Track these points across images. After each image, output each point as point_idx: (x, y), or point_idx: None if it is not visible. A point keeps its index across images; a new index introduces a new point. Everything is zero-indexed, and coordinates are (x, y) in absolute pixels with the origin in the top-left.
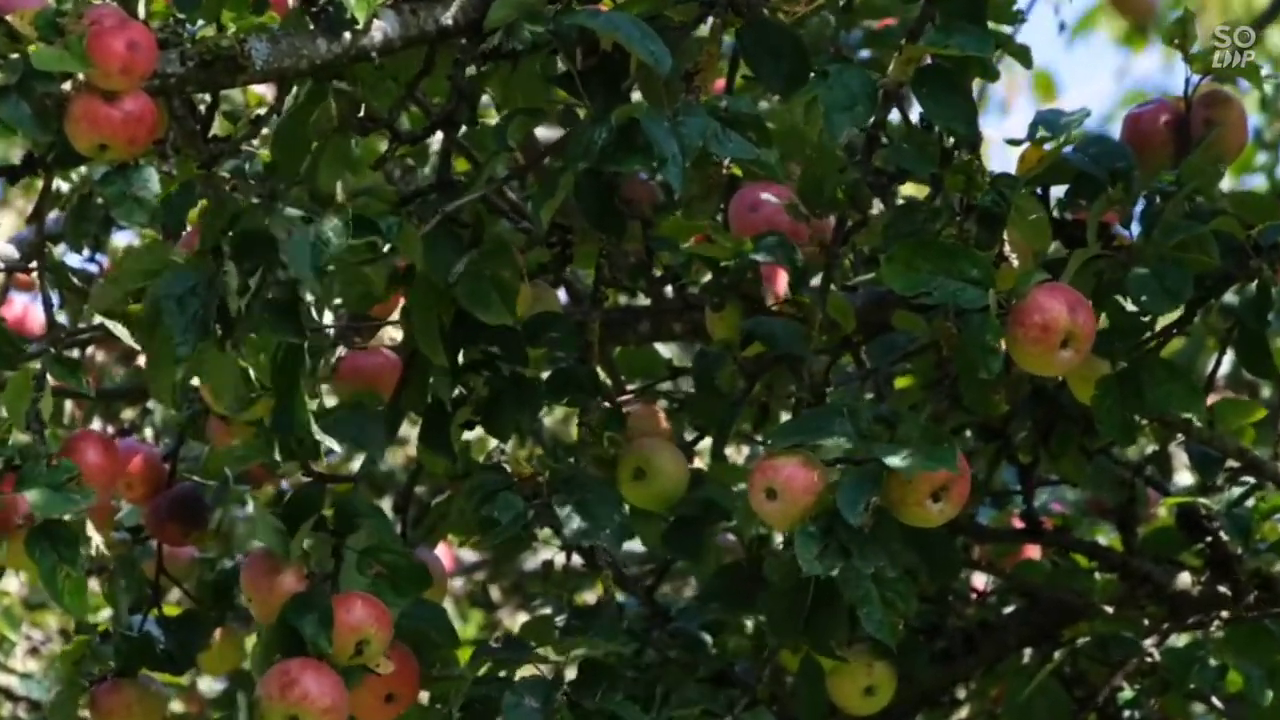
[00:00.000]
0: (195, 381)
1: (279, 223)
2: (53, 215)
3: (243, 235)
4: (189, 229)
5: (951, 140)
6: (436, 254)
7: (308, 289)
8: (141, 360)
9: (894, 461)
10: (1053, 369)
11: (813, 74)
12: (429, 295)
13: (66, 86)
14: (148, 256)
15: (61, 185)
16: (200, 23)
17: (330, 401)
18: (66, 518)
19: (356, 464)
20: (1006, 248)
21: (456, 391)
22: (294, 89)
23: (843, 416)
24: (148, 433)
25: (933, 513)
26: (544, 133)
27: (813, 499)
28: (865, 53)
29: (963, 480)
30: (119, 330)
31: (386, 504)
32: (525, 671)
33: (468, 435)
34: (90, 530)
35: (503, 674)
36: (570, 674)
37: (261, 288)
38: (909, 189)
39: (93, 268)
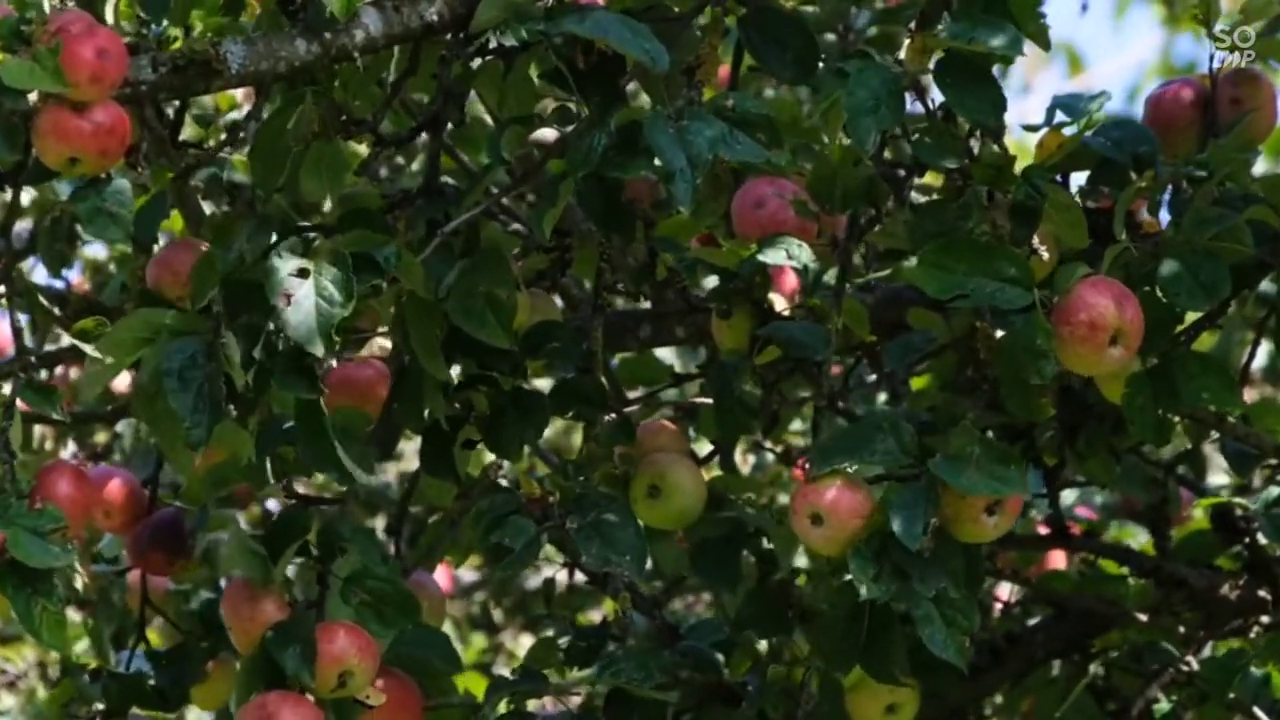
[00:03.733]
0: None
1: (275, 285)
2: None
3: (234, 287)
4: (162, 247)
5: (974, 131)
6: (427, 266)
7: (315, 352)
8: (115, 381)
9: (959, 482)
10: (1102, 368)
11: (823, 64)
12: (424, 308)
13: (33, 98)
14: (136, 323)
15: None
16: (165, 22)
17: None
18: None
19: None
20: (1035, 241)
21: (455, 408)
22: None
23: (884, 432)
24: (116, 457)
25: (988, 527)
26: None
27: (861, 522)
28: (873, 30)
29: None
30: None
31: (380, 522)
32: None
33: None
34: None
35: (515, 707)
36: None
37: (269, 353)
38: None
39: (59, 284)
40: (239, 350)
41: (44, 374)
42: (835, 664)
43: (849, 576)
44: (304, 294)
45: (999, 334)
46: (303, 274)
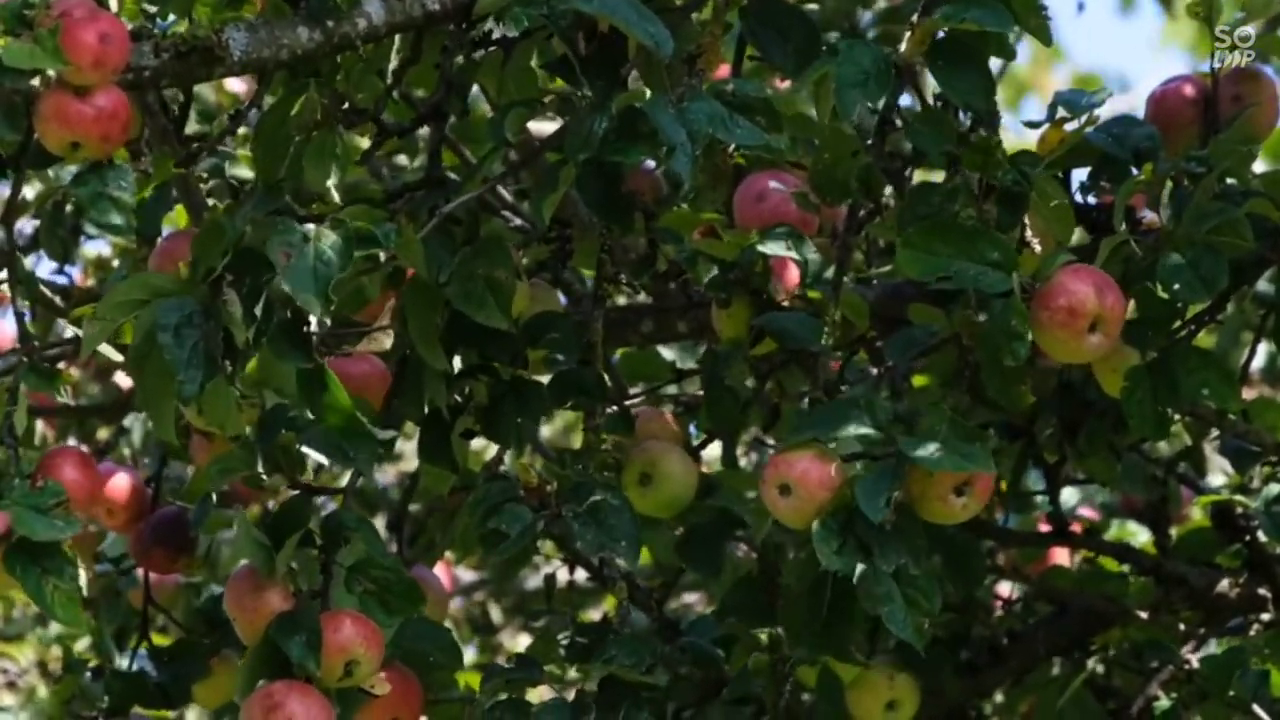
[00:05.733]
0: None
1: (276, 243)
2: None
3: (237, 254)
4: (164, 236)
5: (968, 119)
6: (428, 253)
7: (312, 311)
8: (118, 377)
9: (921, 454)
10: (1081, 355)
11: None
12: (423, 296)
13: (35, 82)
14: (133, 286)
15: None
16: (171, 18)
17: None
18: None
19: (346, 477)
20: (1029, 233)
21: (455, 398)
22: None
23: (859, 409)
24: (124, 451)
25: (955, 508)
26: (537, 125)
27: (829, 494)
28: (874, 32)
29: (986, 474)
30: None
31: (379, 521)
32: (534, 692)
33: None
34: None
35: (512, 696)
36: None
37: (267, 314)
38: (924, 174)
39: (62, 279)
40: (240, 308)
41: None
42: (796, 640)
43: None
44: (302, 254)
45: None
46: (304, 239)
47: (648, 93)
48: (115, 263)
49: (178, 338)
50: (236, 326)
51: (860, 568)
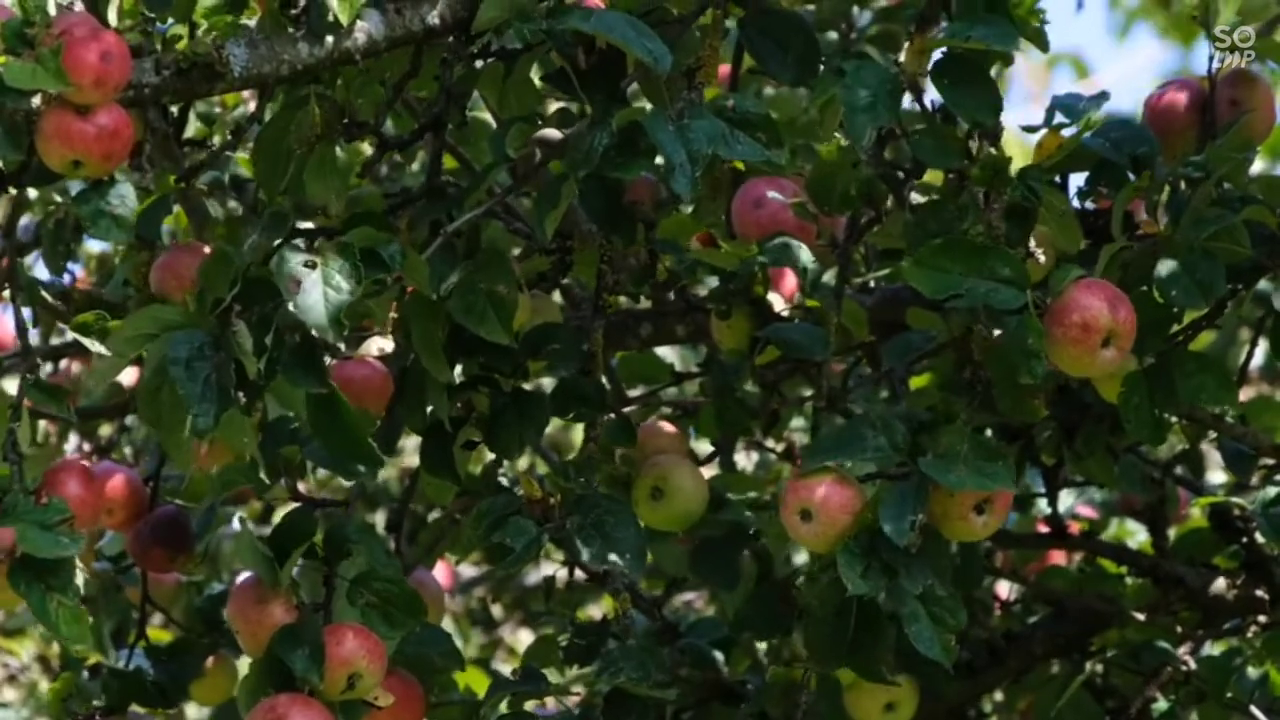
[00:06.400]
0: None
1: (285, 273)
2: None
3: (247, 282)
4: (166, 251)
5: (972, 131)
6: (430, 266)
7: (326, 338)
8: (124, 377)
9: (947, 479)
10: (1094, 369)
11: (824, 63)
12: (426, 308)
13: (36, 100)
14: (142, 319)
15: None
16: (170, 21)
17: None
18: None
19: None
20: (1032, 243)
21: (456, 408)
22: (275, 95)
23: (875, 430)
24: (126, 450)
25: (976, 526)
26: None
27: (850, 518)
28: (873, 30)
29: (1007, 491)
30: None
31: (380, 517)
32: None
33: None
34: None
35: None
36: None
37: (278, 343)
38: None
39: (65, 277)
40: (250, 339)
41: (48, 369)
42: (824, 662)
43: (838, 573)
44: (312, 282)
45: (996, 333)
46: (310, 265)
47: (648, 108)
48: (116, 260)
49: (189, 371)
50: (247, 357)
51: (886, 589)
